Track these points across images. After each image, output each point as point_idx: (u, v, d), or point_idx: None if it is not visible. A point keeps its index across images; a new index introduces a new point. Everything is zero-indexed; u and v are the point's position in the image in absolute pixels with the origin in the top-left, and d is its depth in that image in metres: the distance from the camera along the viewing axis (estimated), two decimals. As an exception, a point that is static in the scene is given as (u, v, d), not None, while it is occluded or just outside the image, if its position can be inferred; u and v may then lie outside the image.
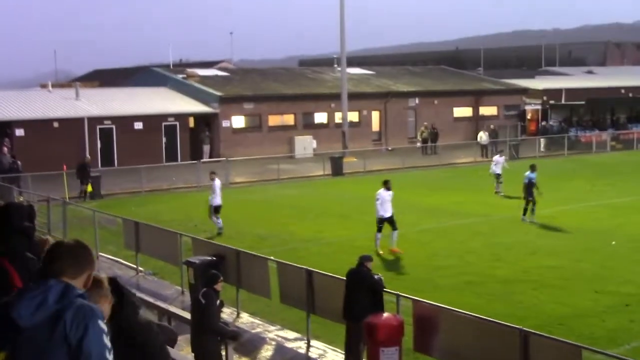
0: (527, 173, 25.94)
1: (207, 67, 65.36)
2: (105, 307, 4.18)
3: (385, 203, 20.80)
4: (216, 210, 24.43)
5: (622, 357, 10.19)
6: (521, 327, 10.36)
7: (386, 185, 21.26)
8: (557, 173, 40.01)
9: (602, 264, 19.23)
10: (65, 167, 32.42)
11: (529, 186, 25.46)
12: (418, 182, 36.88)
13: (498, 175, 32.09)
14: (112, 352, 3.78)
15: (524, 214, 25.36)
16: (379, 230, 20.85)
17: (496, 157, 33.22)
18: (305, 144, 50.46)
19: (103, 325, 3.80)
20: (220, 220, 24.31)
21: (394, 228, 20.77)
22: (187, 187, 36.17)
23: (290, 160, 46.30)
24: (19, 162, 33.76)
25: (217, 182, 24.81)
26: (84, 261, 3.99)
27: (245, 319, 15.08)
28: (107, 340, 3.77)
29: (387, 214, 20.71)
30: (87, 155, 33.24)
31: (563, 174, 39.57)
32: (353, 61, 68.87)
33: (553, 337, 10.36)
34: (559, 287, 16.99)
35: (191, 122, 49.07)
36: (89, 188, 32.43)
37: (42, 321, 3.72)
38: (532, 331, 10.20)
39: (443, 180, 37.88)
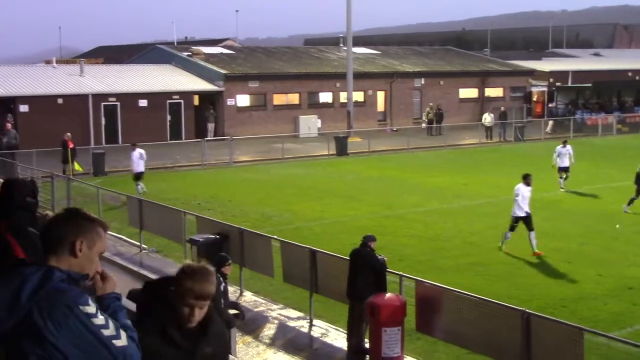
0: None
1: (212, 45, 65.23)
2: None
3: (524, 200, 18.65)
4: (137, 177, 26.90)
5: (623, 340, 10.19)
6: (524, 308, 10.35)
7: (526, 180, 18.80)
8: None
9: (606, 246, 19.20)
10: (71, 143, 32.21)
11: None
12: (423, 163, 36.82)
13: (565, 169, 28.23)
14: (117, 326, 3.45)
15: (629, 204, 23.54)
16: (512, 229, 18.76)
17: (559, 148, 28.75)
18: (310, 124, 50.37)
19: (86, 308, 3.40)
20: (139, 187, 26.33)
21: (530, 229, 18.45)
22: (191, 166, 36.15)
23: (294, 139, 46.23)
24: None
25: (135, 152, 27.08)
26: (74, 226, 3.58)
27: (249, 297, 15.10)
28: (99, 319, 3.40)
29: (523, 213, 18.56)
30: (68, 133, 32.75)
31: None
32: (359, 41, 68.52)
33: (555, 318, 10.36)
34: (562, 270, 16.97)
35: (196, 100, 48.98)
36: (77, 166, 31.82)
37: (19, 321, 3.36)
38: (535, 313, 10.20)
39: (448, 161, 37.80)
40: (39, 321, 3.32)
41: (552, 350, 9.72)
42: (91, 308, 3.40)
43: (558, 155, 28.33)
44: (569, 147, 28.76)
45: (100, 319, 3.41)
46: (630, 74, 69.46)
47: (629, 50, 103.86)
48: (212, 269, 4.18)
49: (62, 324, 3.33)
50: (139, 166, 27.02)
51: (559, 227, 21.52)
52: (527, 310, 10.20)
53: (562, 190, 27.50)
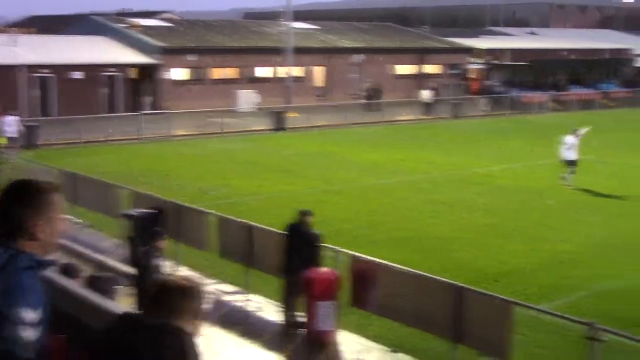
0: None
1: (149, 17, 64.02)
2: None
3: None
4: None
5: (552, 312, 10.45)
6: (456, 282, 10.51)
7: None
8: (498, 132, 40.55)
9: (539, 222, 19.58)
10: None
11: None
12: (360, 139, 36.97)
13: (571, 163, 24.51)
14: (36, 308, 3.22)
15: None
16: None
17: (568, 138, 25.01)
18: (249, 98, 50.02)
19: (24, 313, 3.19)
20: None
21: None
22: (127, 139, 35.60)
23: (233, 114, 45.86)
24: None
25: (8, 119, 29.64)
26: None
27: (184, 272, 14.99)
28: (25, 324, 3.18)
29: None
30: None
31: (504, 133, 40.09)
32: (299, 15, 68.14)
33: (486, 292, 10.55)
34: (494, 245, 17.27)
35: (132, 73, 48.16)
36: (2, 140, 30.96)
37: None
38: (466, 286, 10.37)
39: (385, 137, 38.02)
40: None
41: (483, 322, 9.90)
42: (29, 315, 3.21)
43: (568, 148, 24.71)
44: (580, 136, 25.34)
45: (25, 325, 3.21)
46: (565, 53, 70.73)
47: (564, 30, 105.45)
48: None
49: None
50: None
51: (492, 203, 21.87)
52: (458, 284, 10.36)
53: (566, 185, 23.99)
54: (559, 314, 10.23)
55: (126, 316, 3.68)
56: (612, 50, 75.02)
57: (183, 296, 3.51)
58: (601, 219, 19.96)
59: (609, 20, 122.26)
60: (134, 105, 45.78)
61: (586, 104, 55.95)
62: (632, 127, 42.09)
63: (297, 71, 52.53)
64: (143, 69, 48.42)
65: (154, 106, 46.71)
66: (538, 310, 10.40)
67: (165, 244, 11.29)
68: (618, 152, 31.37)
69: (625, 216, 20.28)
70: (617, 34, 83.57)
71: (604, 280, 14.72)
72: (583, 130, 25.69)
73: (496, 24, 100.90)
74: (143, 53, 48.79)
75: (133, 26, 52.16)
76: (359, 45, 58.42)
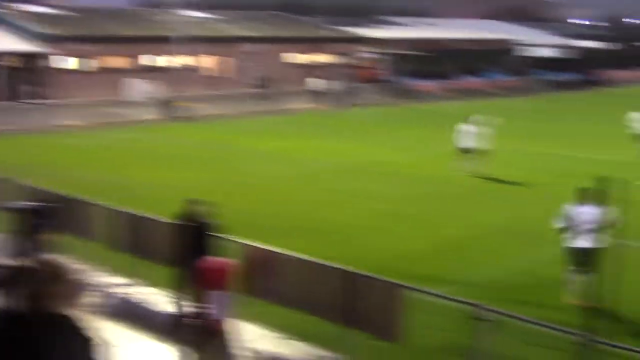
0: None
1: (34, 3, 61.79)
2: None
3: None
4: None
5: (442, 295, 10.64)
6: (349, 268, 10.56)
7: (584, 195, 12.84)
8: (393, 121, 41.15)
9: (434, 208, 19.95)
10: None
11: None
12: (255, 128, 36.83)
13: (470, 151, 24.71)
14: None
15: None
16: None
17: (467, 126, 25.16)
18: (140, 88, 49.04)
19: None
20: None
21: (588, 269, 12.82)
22: (7, 130, 34.22)
23: (123, 104, 44.90)
24: None
25: None
26: None
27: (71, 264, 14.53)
28: None
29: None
30: None
31: (399, 122, 40.71)
32: (191, 4, 67.20)
33: (380, 277, 10.63)
34: (390, 231, 17.50)
35: (14, 62, 46.32)
36: None
37: None
38: (360, 272, 10.43)
39: (280, 126, 38.00)
40: None
41: (375, 307, 9.99)
42: None
43: (464, 134, 25.01)
44: (477, 123, 25.56)
45: None
46: (457, 43, 72.28)
47: (456, 20, 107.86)
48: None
49: None
50: None
51: (390, 190, 22.16)
52: (352, 270, 10.42)
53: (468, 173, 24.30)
54: (448, 295, 10.44)
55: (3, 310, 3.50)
56: (500, 41, 77.18)
57: (50, 280, 3.35)
58: (496, 205, 20.51)
59: (498, 12, 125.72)
60: (15, 94, 44.06)
61: (475, 93, 57.50)
62: (523, 115, 43.44)
63: (189, 60, 51.85)
64: (27, 57, 46.68)
65: (37, 96, 45.13)
66: (428, 293, 10.56)
67: (51, 236, 10.90)
68: (512, 139, 32.27)
69: (520, 202, 20.90)
70: (505, 25, 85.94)
71: (494, 262, 15.12)
72: (482, 119, 26.23)
73: (388, 14, 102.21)
74: (26, 40, 47.05)
75: (15, 12, 50.20)
76: (252, 34, 58.13)
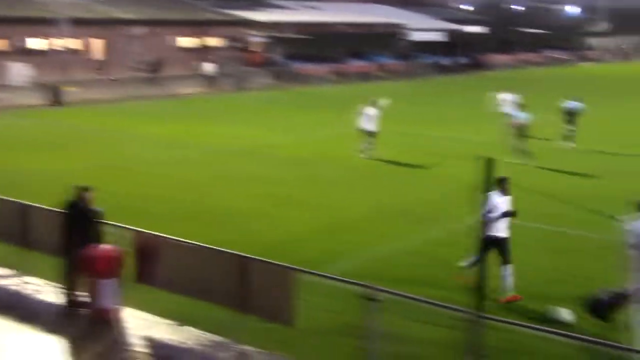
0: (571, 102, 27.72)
1: None
2: None
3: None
4: None
5: (331, 276, 10.83)
6: (239, 252, 10.59)
7: (502, 185, 12.59)
8: (281, 105, 41.23)
9: (323, 191, 20.16)
10: None
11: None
12: (142, 113, 36.23)
13: (370, 134, 24.93)
14: None
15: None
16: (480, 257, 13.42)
17: (368, 109, 25.22)
18: (20, 71, 47.32)
19: None
20: None
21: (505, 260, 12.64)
22: None
23: (3, 88, 43.25)
24: None
25: None
26: None
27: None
28: None
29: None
30: None
31: (286, 105, 40.82)
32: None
33: (268, 260, 10.70)
34: (278, 214, 17.59)
35: None
36: None
37: None
38: (249, 256, 10.47)
39: (167, 110, 37.51)
40: None
41: (267, 291, 10.07)
42: None
43: (367, 117, 25.09)
44: (379, 106, 25.73)
45: None
46: (344, 26, 72.95)
47: (343, 4, 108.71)
48: None
49: None
50: None
51: (278, 174, 22.24)
52: (241, 254, 10.45)
53: (364, 156, 24.73)
54: (338, 277, 10.62)
55: None
56: (386, 25, 78.35)
57: None
58: (381, 187, 20.91)
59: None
60: None
61: (363, 76, 58.27)
62: (406, 98, 44.27)
63: (74, 43, 50.39)
64: None
65: None
66: (319, 275, 10.71)
67: None
68: (394, 122, 32.83)
69: (404, 184, 21.34)
70: (391, 9, 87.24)
71: (381, 243, 15.45)
72: (383, 102, 26.42)
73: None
74: None
75: None
76: (140, 17, 56.96)
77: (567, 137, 27.51)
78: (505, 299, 12.12)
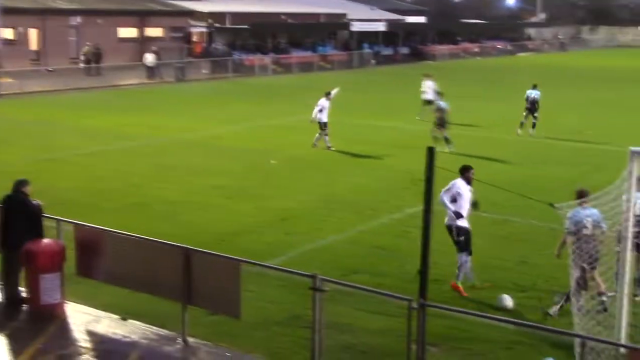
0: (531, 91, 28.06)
1: None
2: None
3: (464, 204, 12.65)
4: None
5: (276, 267, 10.84)
6: (183, 245, 10.51)
7: (465, 175, 12.60)
8: (222, 95, 40.99)
9: (265, 182, 20.10)
10: None
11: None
12: (81, 104, 35.65)
13: (324, 125, 24.67)
14: None
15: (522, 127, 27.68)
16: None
17: (321, 100, 24.90)
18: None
19: None
20: None
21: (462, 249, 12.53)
22: None
23: None
24: None
25: None
26: None
27: None
28: None
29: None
30: None
31: (228, 96, 40.59)
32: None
33: (214, 252, 10.64)
34: (222, 206, 17.50)
35: None
36: None
37: None
38: (194, 248, 10.39)
39: (108, 102, 36.96)
40: None
41: (212, 283, 10.00)
42: None
43: (321, 109, 24.71)
44: (331, 96, 25.31)
45: None
46: (284, 17, 72.73)
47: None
48: None
49: None
50: None
51: (218, 165, 22.11)
52: (186, 247, 10.37)
53: (316, 146, 24.63)
54: (284, 268, 10.62)
55: None
56: (328, 15, 78.33)
57: None
58: (325, 177, 20.91)
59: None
60: None
61: (306, 66, 58.24)
62: (349, 87, 44.36)
63: (8, 33, 49.23)
64: None
65: None
66: (264, 266, 10.70)
67: None
68: (343, 113, 32.90)
69: (346, 174, 21.38)
70: (334, 0, 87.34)
71: (326, 233, 15.48)
72: (334, 92, 26.15)
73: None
74: None
75: None
76: (76, 7, 55.87)
77: (523, 125, 27.77)
78: (458, 286, 12.17)
